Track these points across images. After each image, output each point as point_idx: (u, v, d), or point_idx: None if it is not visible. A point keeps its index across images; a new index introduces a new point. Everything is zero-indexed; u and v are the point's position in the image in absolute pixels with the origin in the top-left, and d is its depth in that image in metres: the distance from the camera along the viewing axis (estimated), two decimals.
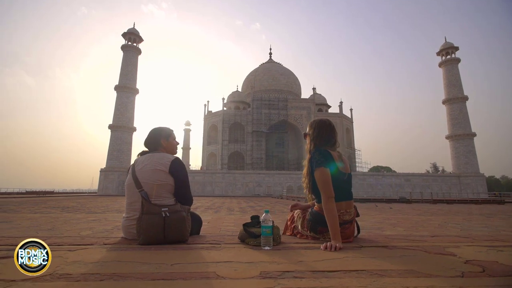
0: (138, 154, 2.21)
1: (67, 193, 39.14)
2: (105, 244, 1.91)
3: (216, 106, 56.77)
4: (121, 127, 36.48)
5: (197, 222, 2.32)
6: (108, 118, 37.31)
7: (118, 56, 39.33)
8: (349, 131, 50.65)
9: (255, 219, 2.04)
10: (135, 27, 40.76)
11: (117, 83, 37.79)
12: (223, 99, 49.99)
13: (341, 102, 51.17)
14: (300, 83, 59.71)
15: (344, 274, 1.23)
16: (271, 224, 1.75)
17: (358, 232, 2.05)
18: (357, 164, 47.99)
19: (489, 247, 1.80)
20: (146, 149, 2.21)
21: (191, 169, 45.84)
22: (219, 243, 1.91)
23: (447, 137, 43.47)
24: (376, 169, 58.99)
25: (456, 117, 42.10)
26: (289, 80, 55.91)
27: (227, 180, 38.53)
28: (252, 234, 1.84)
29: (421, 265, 1.36)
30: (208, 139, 49.67)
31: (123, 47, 39.66)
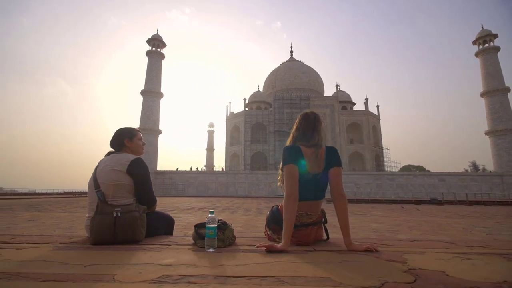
0: (105, 155, 2.20)
1: None
2: (61, 244, 1.92)
3: (238, 107, 57.44)
4: (148, 130, 38.02)
5: (167, 222, 2.30)
6: (136, 121, 39.48)
7: (143, 61, 41.42)
8: (376, 128, 48.44)
9: None
10: (159, 33, 42.49)
11: (143, 88, 39.74)
12: (245, 99, 50.33)
13: (366, 99, 49.12)
14: (323, 80, 58.40)
15: (246, 281, 1.11)
16: (215, 225, 1.70)
17: (328, 237, 1.91)
18: (385, 164, 45.73)
19: (462, 254, 1.53)
20: (113, 150, 2.20)
21: (215, 170, 47.00)
22: (170, 244, 1.85)
23: (486, 133, 39.96)
24: (407, 169, 55.75)
25: (496, 111, 38.55)
26: (311, 78, 54.86)
27: (250, 181, 38.65)
28: (200, 235, 1.81)
29: (347, 273, 1.21)
30: (231, 140, 50.24)
31: (148, 53, 41.51)
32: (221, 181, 38.15)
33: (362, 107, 49.32)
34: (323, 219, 1.88)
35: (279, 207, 1.89)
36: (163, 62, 42.55)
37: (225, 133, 51.71)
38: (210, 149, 70.41)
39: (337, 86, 49.93)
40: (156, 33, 42.14)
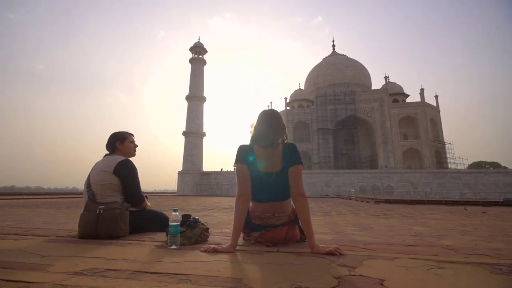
0: (103, 157, 2.39)
1: (154, 193, 45.68)
2: (57, 236, 2.13)
3: (279, 106, 57.05)
4: (193, 133, 40.28)
5: (158, 220, 2.37)
6: (182, 125, 42.10)
7: (187, 68, 44.06)
8: (435, 121, 43.45)
9: (185, 217, 1.97)
10: (200, 41, 44.83)
11: (187, 93, 42.25)
12: (286, 98, 49.83)
13: (422, 89, 44.40)
14: (370, 73, 54.63)
15: (156, 277, 1.12)
16: (177, 223, 1.74)
17: (304, 238, 1.81)
18: (448, 160, 40.73)
19: (444, 263, 1.25)
20: (108, 152, 2.39)
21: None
22: (145, 240, 1.93)
23: None
24: (478, 165, 48.84)
25: None
26: (356, 72, 51.76)
27: None
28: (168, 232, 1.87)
29: (269, 275, 1.17)
30: None
31: (191, 60, 43.97)
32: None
33: (417, 99, 44.74)
34: (294, 219, 1.79)
35: (250, 209, 1.83)
36: (205, 67, 44.75)
37: None
38: None
39: (386, 77, 46.18)
40: (197, 40, 44.45)
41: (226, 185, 38.36)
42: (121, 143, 2.34)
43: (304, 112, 46.69)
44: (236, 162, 1.73)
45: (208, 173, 39.29)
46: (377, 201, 17.96)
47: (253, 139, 1.78)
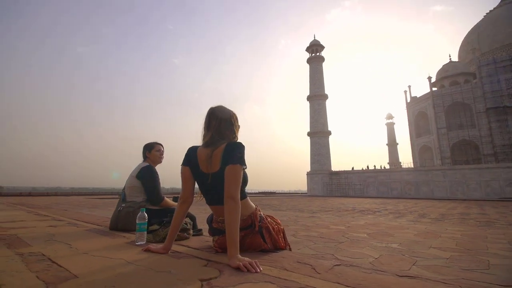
0: None
1: (284, 193, 47.56)
2: (98, 225, 2.90)
3: (420, 90, 46.46)
4: (317, 133, 38.83)
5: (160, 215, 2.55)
6: (306, 126, 41.64)
7: (305, 68, 43.46)
8: None
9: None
10: (316, 38, 43.26)
11: (308, 94, 41.50)
12: (430, 78, 39.87)
13: None
14: None
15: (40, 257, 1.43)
16: (143, 221, 1.91)
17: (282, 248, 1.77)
18: None
19: None
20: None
21: (402, 167, 39.94)
22: (129, 237, 2.24)
23: None
24: None
25: None
26: None
27: (452, 178, 29.47)
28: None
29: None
30: (416, 130, 41.30)
31: (308, 60, 42.97)
32: (408, 180, 31.67)
33: None
34: (251, 225, 1.67)
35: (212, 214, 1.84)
36: (324, 64, 42.67)
37: (407, 123, 43.35)
38: (391, 144, 61.46)
39: None
40: (313, 39, 43.08)
41: (359, 185, 34.53)
42: (149, 152, 2.71)
43: (460, 91, 35.67)
44: (181, 164, 1.76)
45: (338, 173, 36.72)
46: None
47: (202, 138, 1.77)
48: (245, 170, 1.63)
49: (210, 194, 1.67)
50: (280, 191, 53.25)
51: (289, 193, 48.69)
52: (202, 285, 1.08)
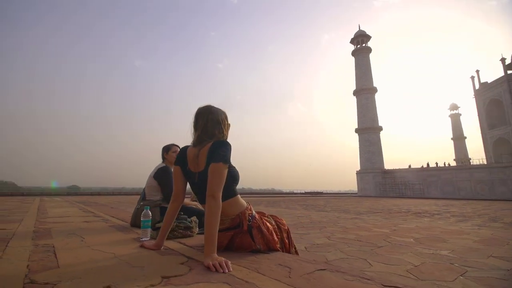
0: None
1: (333, 193, 45.33)
2: (123, 221, 3.21)
3: (490, 76, 40.00)
4: (366, 129, 36.12)
5: (190, 213, 2.51)
6: (354, 122, 39.19)
7: (350, 61, 40.92)
8: None
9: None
10: (361, 29, 40.31)
11: (354, 88, 38.84)
12: (503, 59, 34.12)
13: None
14: None
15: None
16: (147, 219, 1.97)
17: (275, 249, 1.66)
18: None
19: None
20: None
21: (471, 163, 34.88)
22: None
23: None
24: None
25: None
26: None
27: None
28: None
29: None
30: (489, 121, 35.69)
31: (353, 53, 40.23)
32: (480, 179, 27.42)
33: None
34: (239, 224, 1.60)
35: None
36: (371, 55, 39.58)
37: (476, 114, 37.74)
38: (458, 138, 54.03)
39: None
40: (358, 29, 40.26)
41: (418, 184, 31.10)
42: (166, 153, 2.87)
43: None
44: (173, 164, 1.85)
45: (392, 171, 33.64)
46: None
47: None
48: (235, 167, 1.63)
49: (199, 193, 1.65)
50: (329, 191, 51.05)
51: (339, 194, 46.28)
52: (161, 281, 1.05)
